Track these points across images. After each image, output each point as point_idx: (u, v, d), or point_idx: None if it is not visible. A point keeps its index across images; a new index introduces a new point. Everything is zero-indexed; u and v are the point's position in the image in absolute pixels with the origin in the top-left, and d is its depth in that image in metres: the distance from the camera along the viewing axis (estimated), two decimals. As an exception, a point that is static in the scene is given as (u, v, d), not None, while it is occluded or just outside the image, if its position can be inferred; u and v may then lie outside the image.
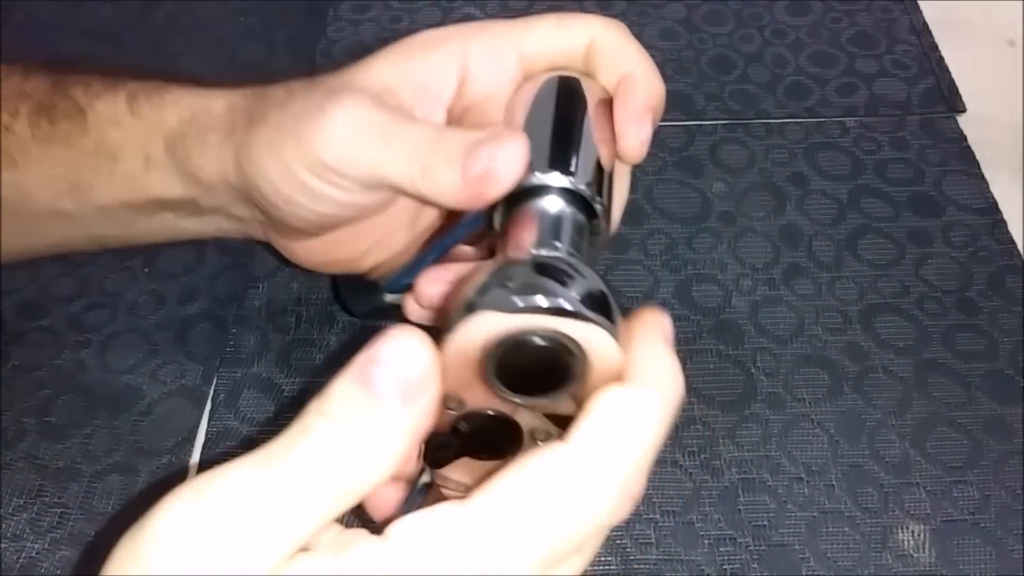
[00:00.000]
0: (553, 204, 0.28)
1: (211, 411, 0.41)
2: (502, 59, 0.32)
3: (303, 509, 0.20)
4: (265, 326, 0.43)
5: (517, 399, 0.25)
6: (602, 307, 0.23)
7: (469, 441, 0.26)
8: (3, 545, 0.36)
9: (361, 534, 0.21)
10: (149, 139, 0.33)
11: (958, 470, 0.38)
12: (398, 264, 0.35)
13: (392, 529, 0.21)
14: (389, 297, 0.40)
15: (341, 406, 0.20)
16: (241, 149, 0.31)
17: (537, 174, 0.28)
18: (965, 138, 0.50)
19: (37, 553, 0.36)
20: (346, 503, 0.20)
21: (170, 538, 0.19)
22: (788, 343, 0.42)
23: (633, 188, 0.48)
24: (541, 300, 0.23)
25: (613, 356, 0.23)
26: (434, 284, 0.31)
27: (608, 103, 0.31)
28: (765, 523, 0.37)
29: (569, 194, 0.28)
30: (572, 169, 0.28)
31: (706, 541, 0.37)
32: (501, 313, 0.23)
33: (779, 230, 0.46)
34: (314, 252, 0.36)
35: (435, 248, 0.32)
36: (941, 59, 0.54)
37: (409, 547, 0.20)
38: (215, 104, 0.33)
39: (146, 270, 0.45)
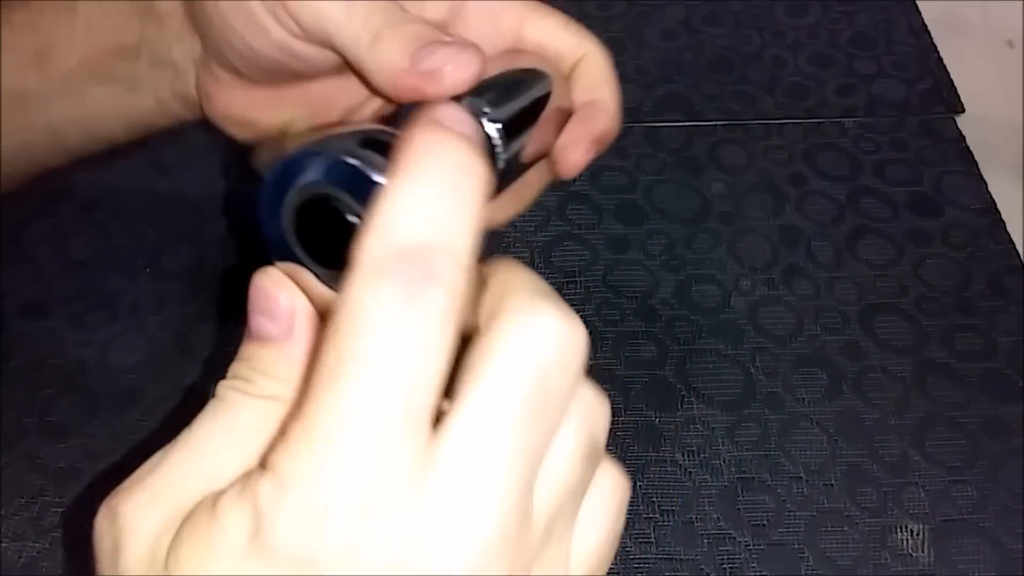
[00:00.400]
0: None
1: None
2: (498, 25, 0.31)
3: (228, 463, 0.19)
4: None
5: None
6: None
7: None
8: (4, 545, 0.36)
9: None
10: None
11: (957, 470, 0.38)
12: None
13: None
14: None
15: (242, 366, 0.20)
16: None
17: (465, 99, 0.27)
18: (964, 138, 0.50)
19: (38, 553, 0.36)
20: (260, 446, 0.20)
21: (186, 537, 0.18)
22: (787, 343, 0.42)
23: (632, 188, 0.48)
24: (333, 147, 0.21)
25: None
26: None
27: (565, 113, 0.31)
28: (764, 522, 0.37)
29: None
30: (496, 111, 0.27)
31: (705, 540, 0.37)
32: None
33: (778, 230, 0.47)
34: (232, 105, 0.34)
35: None
36: (940, 60, 0.54)
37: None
38: None
39: (147, 270, 0.45)
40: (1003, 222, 0.46)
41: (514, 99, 0.28)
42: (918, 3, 0.57)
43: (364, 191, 0.20)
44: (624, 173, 0.49)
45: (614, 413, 0.40)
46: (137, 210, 0.47)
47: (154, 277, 0.45)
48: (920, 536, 0.37)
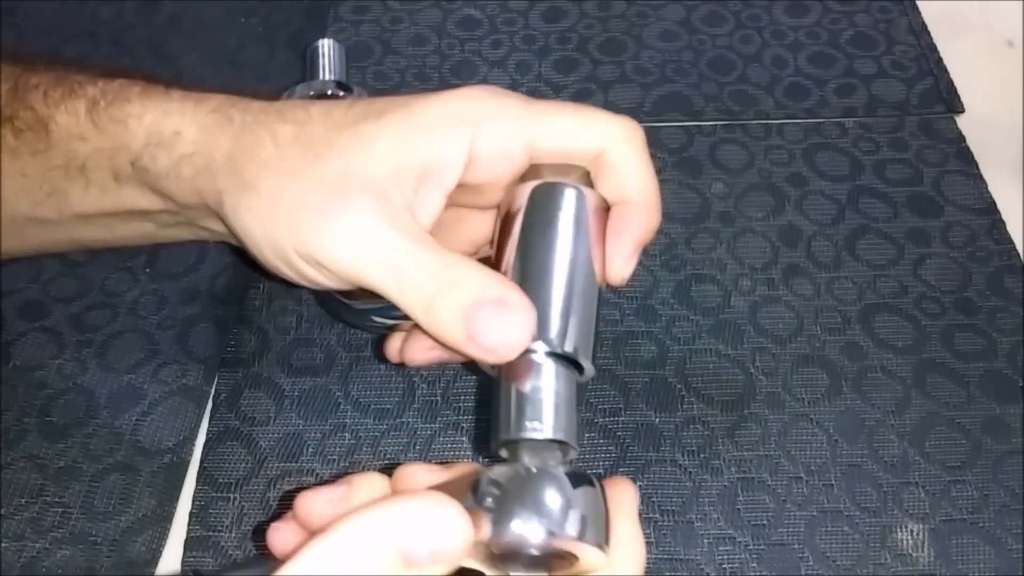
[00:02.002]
0: (547, 370, 0.28)
1: (212, 411, 0.41)
2: (509, 150, 0.30)
3: None
4: (266, 326, 0.43)
5: (511, 570, 0.25)
6: (594, 519, 0.25)
7: None
8: (4, 544, 0.36)
9: None
10: (115, 156, 0.32)
11: (957, 469, 0.38)
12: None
13: None
14: (376, 318, 0.39)
15: (371, 552, 0.21)
16: (226, 203, 0.30)
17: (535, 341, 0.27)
18: (964, 138, 0.50)
19: (38, 552, 0.36)
20: None
21: None
22: (787, 343, 0.42)
23: (632, 188, 0.48)
24: (542, 528, 0.24)
25: (601, 561, 0.25)
26: (424, 350, 0.32)
27: (603, 212, 0.31)
28: (764, 522, 0.37)
29: (562, 357, 0.28)
30: (566, 335, 0.28)
31: (705, 540, 0.37)
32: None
33: (778, 230, 0.47)
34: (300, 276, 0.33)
35: None
36: (940, 60, 0.54)
37: None
38: (186, 127, 0.31)
39: (147, 270, 0.45)
40: (1003, 222, 0.47)
41: (568, 302, 0.28)
42: (918, 3, 0.57)
43: None
44: (624, 173, 0.49)
45: (614, 413, 0.41)
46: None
47: (154, 277, 0.45)
48: (920, 536, 0.37)
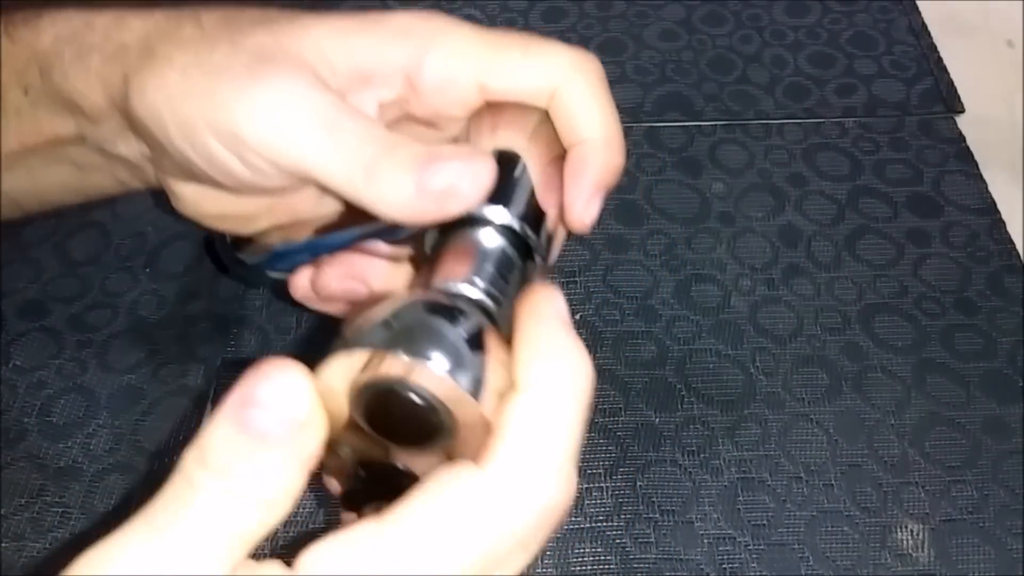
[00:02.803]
0: (489, 239, 0.26)
1: (212, 411, 0.40)
2: (458, 79, 0.28)
3: (204, 569, 0.19)
4: (266, 326, 0.43)
5: (392, 446, 0.23)
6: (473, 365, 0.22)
7: (374, 487, 0.24)
8: (4, 545, 0.36)
9: (272, 566, 0.20)
10: (24, 64, 0.30)
11: (957, 469, 0.38)
12: (289, 238, 0.32)
13: (304, 558, 0.20)
14: (271, 272, 0.37)
15: (224, 455, 0.19)
16: (132, 81, 0.27)
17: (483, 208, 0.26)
18: (964, 138, 0.50)
19: (38, 553, 0.36)
20: (243, 552, 0.20)
21: None
22: (787, 343, 0.42)
23: (632, 188, 0.48)
24: (408, 352, 0.21)
25: (479, 422, 0.22)
26: (339, 278, 0.29)
27: (559, 161, 0.29)
28: (764, 522, 0.37)
29: (509, 232, 0.26)
30: (515, 206, 0.26)
31: (705, 540, 0.37)
32: (367, 354, 0.22)
33: (778, 230, 0.47)
34: (201, 204, 0.31)
35: (334, 240, 0.29)
36: (940, 60, 0.54)
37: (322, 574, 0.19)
38: (99, 19, 0.28)
39: (147, 270, 0.45)
40: (1003, 222, 0.47)
41: (519, 189, 0.27)
42: (918, 3, 0.57)
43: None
44: (624, 173, 0.49)
45: (614, 413, 0.40)
46: (137, 210, 0.47)
47: (154, 277, 0.45)
48: (920, 536, 0.37)
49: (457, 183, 0.25)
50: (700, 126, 0.51)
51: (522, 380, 0.22)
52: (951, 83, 0.53)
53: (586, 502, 0.38)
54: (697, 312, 0.44)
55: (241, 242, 0.33)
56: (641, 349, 0.42)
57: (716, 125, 0.51)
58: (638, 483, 0.38)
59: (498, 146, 0.28)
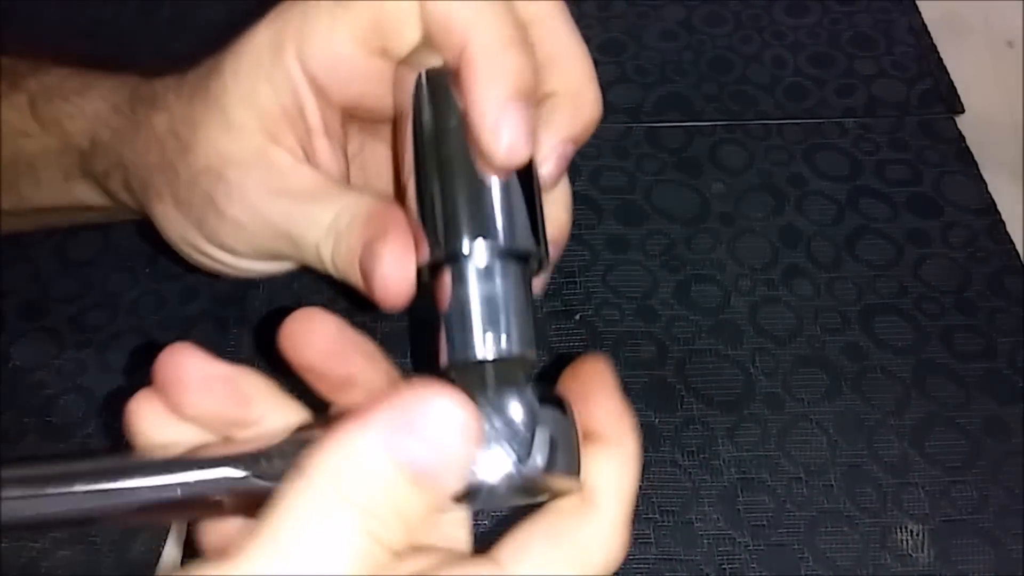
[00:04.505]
0: (487, 279, 0.23)
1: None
2: (345, 60, 0.27)
3: None
4: (266, 326, 0.43)
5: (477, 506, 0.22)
6: (565, 445, 0.22)
7: None
8: (3, 545, 0.36)
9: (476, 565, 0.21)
10: (62, 156, 0.32)
11: (956, 470, 0.38)
12: None
13: (504, 552, 0.21)
14: None
15: (367, 487, 0.17)
16: (153, 214, 0.30)
17: (460, 242, 0.23)
18: (963, 139, 0.50)
19: (37, 553, 0.36)
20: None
21: None
22: (787, 343, 0.42)
23: (632, 188, 0.48)
24: (510, 462, 0.21)
25: (576, 487, 0.23)
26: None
27: None
28: (764, 523, 0.37)
29: (505, 256, 0.24)
30: (497, 227, 0.23)
31: (705, 540, 0.37)
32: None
33: (778, 231, 0.47)
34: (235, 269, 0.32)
35: None
36: (939, 60, 0.54)
37: None
38: (104, 134, 0.31)
39: (147, 270, 0.45)
40: (1003, 222, 0.47)
41: (480, 191, 0.24)
42: (918, 3, 0.57)
43: None
44: (624, 173, 0.49)
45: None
46: (137, 210, 0.47)
47: (154, 277, 0.45)
48: (920, 536, 0.37)
49: (386, 287, 0.24)
50: (700, 126, 0.51)
51: (611, 435, 0.23)
52: (951, 83, 0.53)
53: (586, 502, 0.38)
54: (697, 312, 0.44)
55: None
56: (641, 349, 0.42)
57: (716, 125, 0.51)
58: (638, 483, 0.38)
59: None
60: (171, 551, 0.37)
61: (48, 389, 0.41)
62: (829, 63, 0.54)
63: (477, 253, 0.23)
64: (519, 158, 0.23)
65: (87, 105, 0.32)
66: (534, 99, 0.24)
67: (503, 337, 0.23)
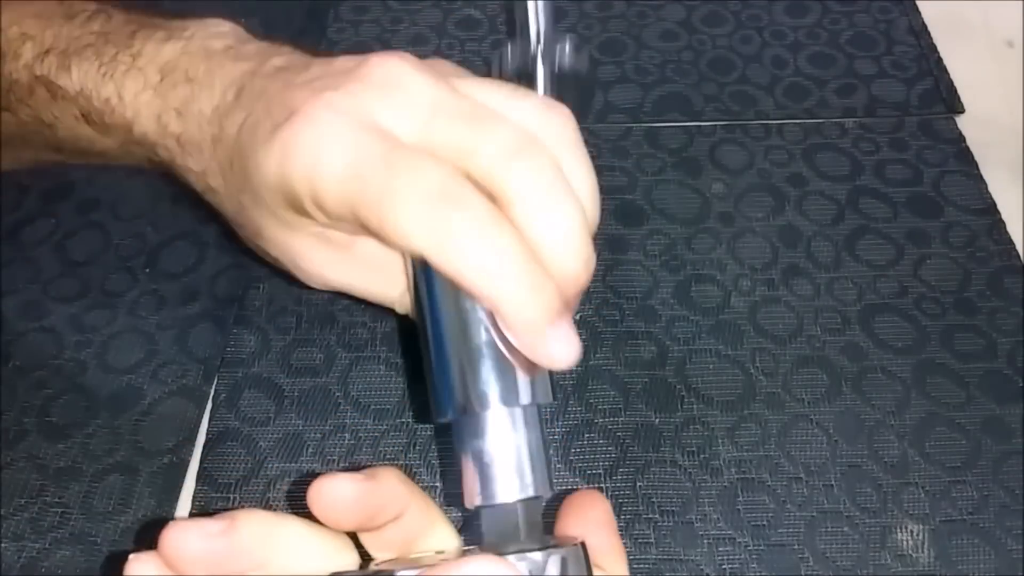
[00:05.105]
0: (513, 430, 0.26)
1: (212, 411, 0.41)
2: (342, 216, 0.26)
3: None
4: (266, 326, 0.43)
5: None
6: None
7: None
8: (3, 545, 0.36)
9: None
10: (126, 147, 0.33)
11: (957, 470, 0.38)
12: None
13: None
14: None
15: None
16: (249, 159, 0.29)
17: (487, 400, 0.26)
18: (964, 139, 0.50)
19: (38, 553, 0.36)
20: None
21: None
22: (787, 343, 0.42)
23: (632, 188, 0.48)
24: None
25: None
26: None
27: None
28: (764, 523, 0.37)
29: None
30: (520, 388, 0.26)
31: (705, 541, 0.37)
32: None
33: (778, 231, 0.47)
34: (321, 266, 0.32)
35: None
36: (940, 60, 0.54)
37: None
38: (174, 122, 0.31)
39: (146, 270, 0.45)
40: (1003, 222, 0.46)
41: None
42: (918, 3, 0.57)
43: None
44: (624, 173, 0.49)
45: (614, 414, 0.40)
46: (137, 210, 0.47)
47: (154, 277, 0.45)
48: (920, 536, 0.37)
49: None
50: (700, 126, 0.51)
51: (608, 568, 0.25)
52: (951, 83, 0.53)
53: (586, 502, 0.38)
54: (697, 312, 0.43)
55: None
56: (641, 349, 0.42)
57: (716, 125, 0.51)
58: (638, 484, 0.38)
59: None
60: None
61: (49, 389, 0.41)
62: (829, 63, 0.54)
63: (504, 409, 0.25)
64: (572, 361, 0.24)
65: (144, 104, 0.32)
66: (568, 307, 0.25)
67: (528, 481, 0.25)
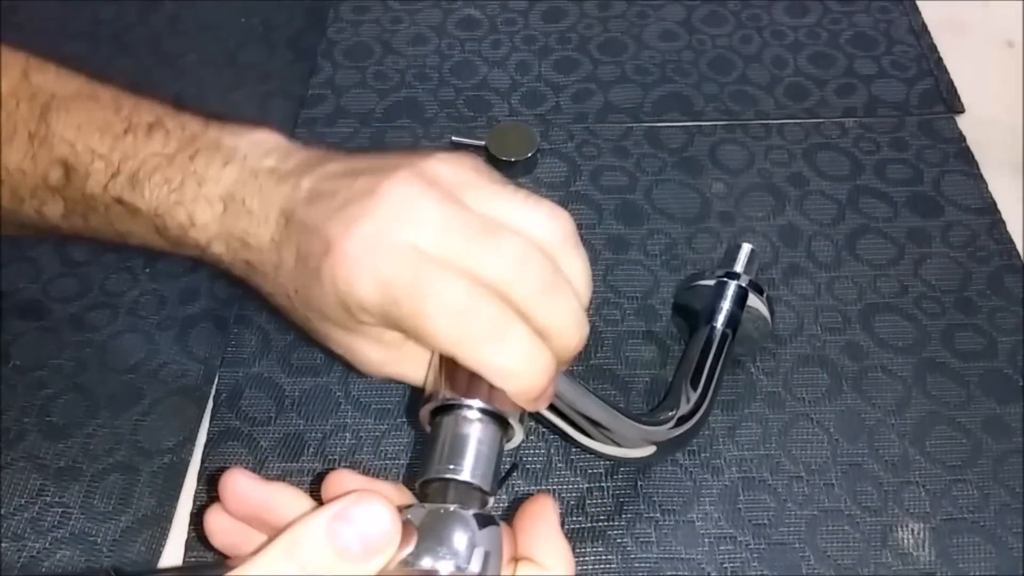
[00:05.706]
0: (474, 424, 0.29)
1: (212, 411, 0.41)
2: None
3: None
4: (266, 326, 0.43)
5: None
6: (496, 555, 0.27)
7: None
8: (4, 545, 0.36)
9: None
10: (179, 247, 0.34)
11: (957, 469, 0.38)
12: None
13: None
14: None
15: (308, 553, 0.23)
16: (324, 264, 0.31)
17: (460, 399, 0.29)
18: (964, 138, 0.50)
19: (38, 552, 0.36)
20: None
21: None
22: (788, 343, 0.42)
23: (632, 188, 0.48)
24: (451, 564, 0.26)
25: None
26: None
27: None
28: (765, 522, 0.37)
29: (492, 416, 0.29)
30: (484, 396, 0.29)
31: (706, 539, 0.37)
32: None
33: (778, 230, 0.47)
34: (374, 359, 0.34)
35: None
36: (940, 60, 0.54)
37: None
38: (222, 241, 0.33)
39: (147, 270, 0.45)
40: (1003, 221, 0.47)
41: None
42: (918, 3, 0.57)
43: None
44: (624, 173, 0.49)
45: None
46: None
47: (154, 277, 0.45)
48: (921, 535, 0.37)
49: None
50: (700, 126, 0.51)
51: (547, 564, 0.28)
52: (951, 83, 0.53)
53: (587, 502, 0.38)
54: (697, 312, 0.43)
55: None
56: (641, 349, 0.42)
57: (716, 125, 0.51)
58: (639, 483, 0.38)
59: None
60: (172, 551, 0.37)
61: (49, 389, 0.41)
62: (829, 63, 0.54)
63: (471, 409, 0.29)
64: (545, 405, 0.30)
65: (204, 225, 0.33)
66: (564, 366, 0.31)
67: (467, 467, 0.28)
